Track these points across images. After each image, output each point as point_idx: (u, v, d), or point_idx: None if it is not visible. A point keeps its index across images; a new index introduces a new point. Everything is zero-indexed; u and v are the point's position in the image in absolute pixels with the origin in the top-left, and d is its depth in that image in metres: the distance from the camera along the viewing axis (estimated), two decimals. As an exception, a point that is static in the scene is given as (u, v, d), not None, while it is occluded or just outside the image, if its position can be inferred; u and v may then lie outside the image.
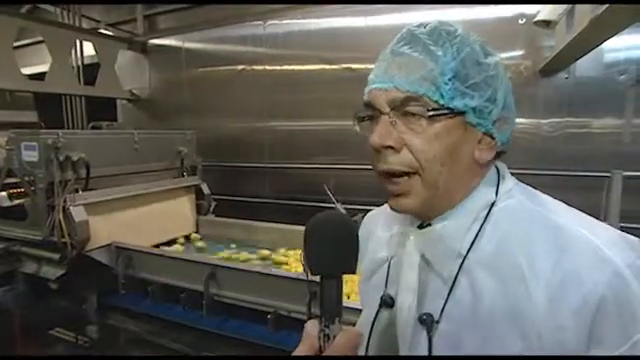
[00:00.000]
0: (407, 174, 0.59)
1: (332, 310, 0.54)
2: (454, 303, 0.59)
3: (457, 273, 0.59)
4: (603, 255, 0.51)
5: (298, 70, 3.02)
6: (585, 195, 2.10)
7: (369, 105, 0.62)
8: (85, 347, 2.25)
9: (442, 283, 0.60)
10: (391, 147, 0.58)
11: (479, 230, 0.59)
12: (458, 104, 0.57)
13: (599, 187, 2.02)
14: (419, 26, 0.60)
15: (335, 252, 0.54)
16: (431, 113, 0.56)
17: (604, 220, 1.93)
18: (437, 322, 0.59)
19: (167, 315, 1.95)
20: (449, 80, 0.56)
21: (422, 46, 0.58)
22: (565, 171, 2.25)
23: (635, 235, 0.55)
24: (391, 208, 0.63)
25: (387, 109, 0.58)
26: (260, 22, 3.12)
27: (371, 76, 0.62)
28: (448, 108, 0.57)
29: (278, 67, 3.09)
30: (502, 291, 0.55)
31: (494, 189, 0.62)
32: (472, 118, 0.58)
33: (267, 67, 3.13)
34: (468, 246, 0.59)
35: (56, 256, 2.00)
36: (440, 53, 0.57)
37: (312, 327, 0.54)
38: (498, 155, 0.63)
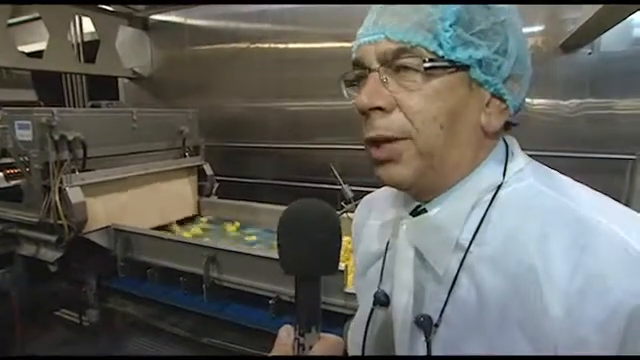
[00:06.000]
0: (397, 140, 0.50)
1: (309, 317, 0.48)
2: (455, 305, 0.50)
3: (458, 270, 0.50)
4: (637, 255, 0.42)
5: (305, 48, 2.89)
6: (607, 178, 1.99)
7: (357, 63, 0.53)
8: (89, 328, 2.21)
9: (439, 281, 0.52)
10: (380, 108, 0.49)
11: (482, 218, 0.50)
12: (461, 56, 0.47)
13: (622, 170, 1.92)
14: None
15: (313, 251, 0.46)
16: (428, 65, 0.47)
17: (626, 204, 1.84)
18: (436, 325, 0.51)
19: (167, 299, 1.91)
20: (450, 26, 0.47)
21: None
22: (586, 153, 2.11)
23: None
24: (379, 180, 0.54)
25: (376, 65, 0.50)
26: (265, -3, 2.99)
27: (360, 30, 0.53)
28: (449, 60, 0.47)
29: (284, 44, 2.96)
30: (511, 295, 0.46)
31: (501, 168, 0.52)
32: (478, 74, 0.49)
33: (272, 45, 3.01)
34: (470, 237, 0.50)
35: (53, 238, 1.94)
36: None
37: (286, 335, 0.49)
38: (507, 127, 0.54)
